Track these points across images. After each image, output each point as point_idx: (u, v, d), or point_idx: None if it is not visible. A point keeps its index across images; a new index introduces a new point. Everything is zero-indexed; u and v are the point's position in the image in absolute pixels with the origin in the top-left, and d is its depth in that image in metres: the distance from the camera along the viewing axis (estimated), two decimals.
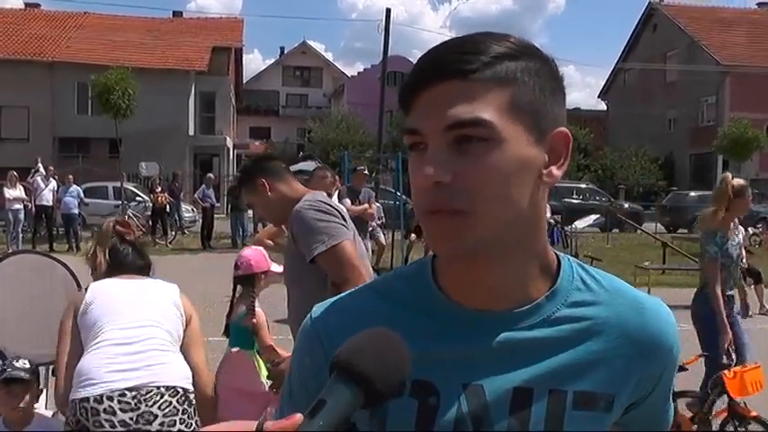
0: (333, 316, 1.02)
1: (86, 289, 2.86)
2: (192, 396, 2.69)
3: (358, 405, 0.78)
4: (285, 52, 62.46)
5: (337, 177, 8.37)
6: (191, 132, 34.73)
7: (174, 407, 2.58)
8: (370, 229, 12.16)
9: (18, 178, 17.12)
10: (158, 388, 2.57)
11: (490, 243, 0.91)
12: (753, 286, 11.15)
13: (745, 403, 4.52)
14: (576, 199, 25.69)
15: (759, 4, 43.93)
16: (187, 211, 22.13)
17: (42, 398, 3.22)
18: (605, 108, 47.60)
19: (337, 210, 2.90)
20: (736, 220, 5.08)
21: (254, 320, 3.93)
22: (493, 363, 0.94)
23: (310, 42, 62.87)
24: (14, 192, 16.88)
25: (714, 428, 4.67)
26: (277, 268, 3.88)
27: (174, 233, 19.74)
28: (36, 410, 3.01)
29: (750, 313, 10.74)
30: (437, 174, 0.87)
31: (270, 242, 5.13)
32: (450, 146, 0.88)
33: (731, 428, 4.52)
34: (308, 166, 25.00)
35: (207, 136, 35.53)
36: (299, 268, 2.87)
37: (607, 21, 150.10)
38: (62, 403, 2.67)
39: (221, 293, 9.05)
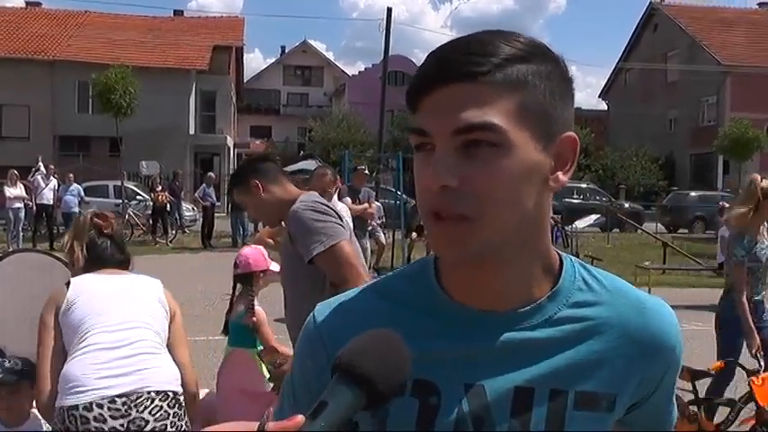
0: (335, 316, 1.01)
1: (68, 284, 2.74)
2: (181, 398, 2.65)
3: (360, 407, 0.78)
4: (286, 51, 62.47)
5: (338, 176, 8.37)
6: (191, 131, 34.73)
7: (165, 411, 2.54)
8: (371, 228, 12.17)
9: (18, 177, 17.13)
10: (149, 393, 2.52)
11: (496, 248, 0.90)
12: None
13: None
14: (577, 199, 25.68)
15: (760, 4, 43.92)
16: (188, 210, 22.12)
17: None
18: (606, 108, 47.58)
19: (333, 210, 2.90)
20: (766, 224, 4.82)
21: (254, 319, 3.94)
22: (494, 363, 0.94)
23: (311, 41, 63.00)
24: (15, 190, 16.89)
25: None
26: (276, 267, 3.88)
27: (174, 232, 19.74)
28: (33, 410, 2.97)
29: None
30: (445, 178, 0.86)
31: (270, 241, 5.13)
32: (459, 149, 0.87)
33: None
34: (309, 165, 25.03)
35: (207, 135, 35.52)
36: (296, 269, 2.86)
37: (608, 20, 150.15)
38: (46, 406, 2.58)
39: (221, 292, 9.06)
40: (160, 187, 19.50)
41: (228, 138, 37.10)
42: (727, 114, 33.98)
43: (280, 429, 0.77)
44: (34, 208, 17.54)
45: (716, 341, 4.84)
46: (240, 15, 46.42)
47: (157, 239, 18.82)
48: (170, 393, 2.59)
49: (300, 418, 0.76)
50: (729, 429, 4.49)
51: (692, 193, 28.04)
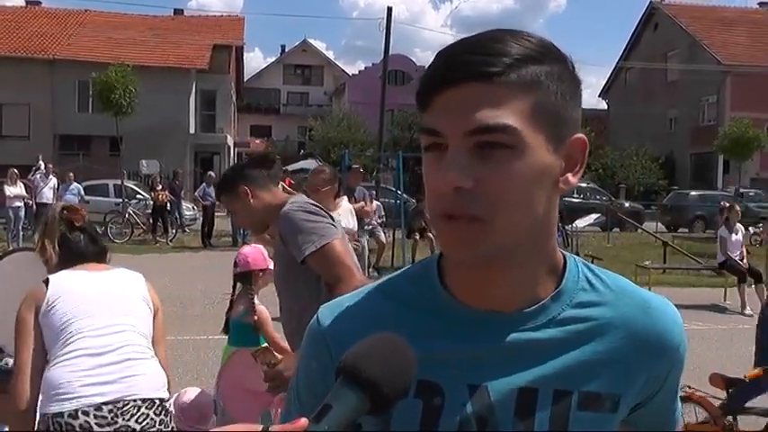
0: (338, 318, 1.01)
1: (46, 282, 2.63)
2: (167, 404, 2.61)
3: (364, 410, 0.78)
4: (286, 50, 62.46)
5: (338, 176, 8.36)
6: (191, 130, 34.73)
7: (152, 419, 2.50)
8: (371, 227, 12.17)
9: (18, 176, 17.14)
10: (135, 401, 2.48)
11: (507, 250, 0.90)
12: (753, 286, 11.15)
13: None
14: (577, 198, 25.67)
15: (760, 4, 43.92)
16: (188, 210, 22.11)
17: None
18: (606, 107, 47.58)
19: (324, 210, 2.89)
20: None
21: (255, 317, 3.94)
22: (498, 363, 0.94)
23: (311, 40, 62.98)
24: (15, 189, 16.89)
25: None
26: None
27: (174, 231, 19.73)
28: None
29: (751, 313, 10.75)
30: (459, 179, 0.85)
31: (269, 237, 5.13)
32: (472, 151, 0.86)
33: None
34: (309, 164, 25.04)
35: (207, 134, 35.53)
36: (290, 273, 2.84)
37: (608, 20, 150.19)
38: (24, 409, 2.47)
39: (222, 291, 9.06)
40: (160, 186, 19.49)
41: (229, 137, 37.10)
42: (728, 114, 33.97)
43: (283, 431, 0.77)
44: (34, 207, 17.54)
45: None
46: (240, 14, 46.44)
47: (157, 238, 18.82)
48: (156, 401, 2.55)
49: (304, 420, 0.76)
50: None
51: (693, 193, 28.05)
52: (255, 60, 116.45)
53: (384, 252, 13.71)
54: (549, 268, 0.98)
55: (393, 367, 0.80)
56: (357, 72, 54.13)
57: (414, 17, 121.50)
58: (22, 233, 16.99)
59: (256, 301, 4.01)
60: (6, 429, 2.92)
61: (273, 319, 4.60)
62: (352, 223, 6.05)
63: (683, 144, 39.04)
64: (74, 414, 2.40)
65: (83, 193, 18.52)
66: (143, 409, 2.49)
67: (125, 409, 2.45)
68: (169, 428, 2.59)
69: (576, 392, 0.95)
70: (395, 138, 38.67)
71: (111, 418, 2.42)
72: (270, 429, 0.76)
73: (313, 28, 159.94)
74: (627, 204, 27.31)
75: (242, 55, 43.51)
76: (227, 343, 4.19)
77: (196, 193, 21.27)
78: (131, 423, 2.45)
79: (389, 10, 22.56)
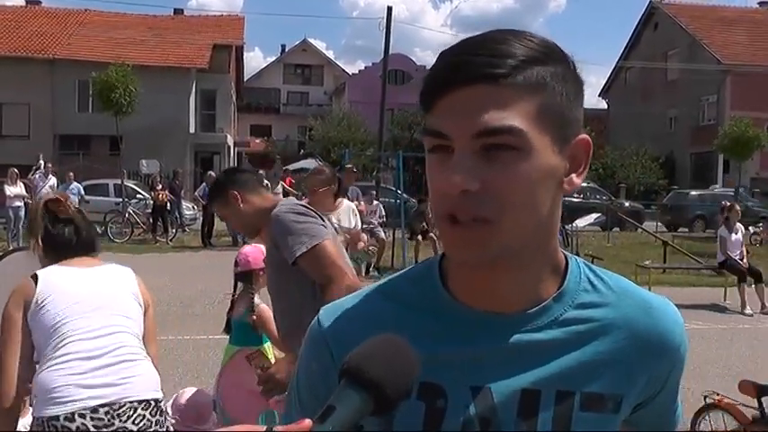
0: (339, 319, 1.01)
1: (35, 278, 2.55)
2: (162, 404, 2.60)
3: (367, 411, 0.78)
4: (286, 50, 62.45)
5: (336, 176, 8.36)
6: (191, 130, 34.73)
7: (148, 419, 2.50)
8: (371, 227, 12.18)
9: (19, 175, 17.13)
10: (131, 402, 2.46)
11: (513, 252, 0.90)
12: (753, 285, 11.15)
13: None
14: (577, 198, 25.65)
15: (760, 3, 43.90)
16: (188, 209, 22.11)
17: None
18: (606, 107, 47.57)
19: (314, 211, 2.89)
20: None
21: (254, 317, 3.94)
22: (501, 365, 0.94)
23: (311, 40, 63.00)
24: (15, 189, 16.89)
25: None
26: None
27: (174, 231, 19.73)
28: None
29: (751, 312, 10.76)
30: (466, 182, 0.85)
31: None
32: (478, 153, 0.86)
33: None
34: (309, 164, 25.05)
35: (207, 134, 35.53)
36: (283, 276, 2.84)
37: (608, 19, 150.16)
38: (8, 407, 2.42)
39: (222, 291, 9.05)
40: (160, 186, 19.49)
41: (229, 136, 37.10)
42: (728, 113, 33.95)
43: None
44: None
45: None
46: (240, 14, 46.44)
47: (158, 238, 18.82)
48: (152, 402, 2.53)
49: (308, 421, 0.76)
50: None
51: (693, 192, 28.05)
52: (255, 60, 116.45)
53: (384, 252, 13.71)
54: (552, 269, 0.98)
55: (396, 368, 0.80)
56: (357, 72, 54.13)
57: (414, 17, 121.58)
58: (21, 233, 16.99)
59: (257, 300, 4.01)
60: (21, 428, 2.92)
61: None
62: (353, 223, 6.04)
63: (682, 144, 39.04)
64: (70, 417, 2.38)
65: (83, 192, 18.51)
66: (139, 411, 2.48)
67: (121, 410, 2.44)
68: (164, 428, 2.58)
69: (579, 393, 0.95)
70: (395, 137, 38.68)
71: (108, 420, 2.41)
72: (274, 430, 0.76)
73: (313, 27, 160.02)
74: (627, 204, 27.31)
75: (242, 54, 43.50)
76: (229, 342, 4.19)
77: (196, 193, 21.28)
78: (128, 425, 2.44)
79: (389, 9, 22.56)
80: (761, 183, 33.14)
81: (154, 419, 2.52)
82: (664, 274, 13.62)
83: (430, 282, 0.99)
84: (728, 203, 13.22)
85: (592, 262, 1.05)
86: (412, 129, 38.99)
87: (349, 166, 12.08)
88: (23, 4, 39.71)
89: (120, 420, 2.43)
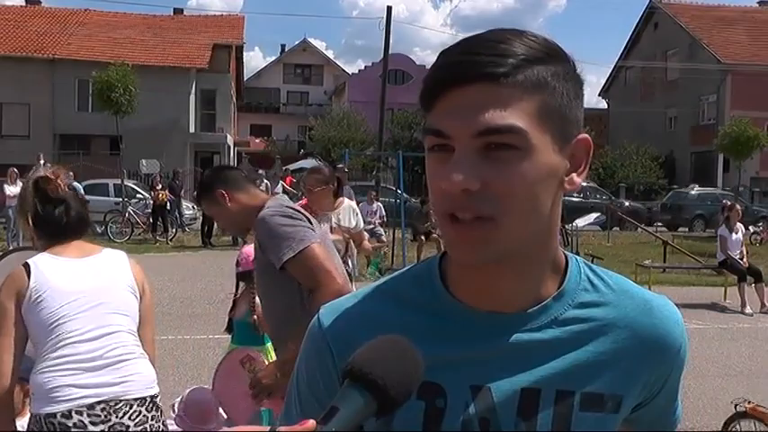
0: (339, 319, 1.00)
1: (27, 268, 2.49)
2: (158, 399, 2.60)
3: (371, 412, 0.78)
4: (286, 50, 62.45)
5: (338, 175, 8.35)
6: (191, 130, 34.74)
7: (144, 415, 2.50)
8: (372, 227, 12.18)
9: (19, 175, 17.11)
10: (127, 400, 2.47)
11: (514, 251, 0.90)
12: (753, 285, 11.16)
13: None
14: (577, 197, 25.66)
15: (760, 3, 43.88)
16: (188, 209, 22.12)
17: None
18: (606, 106, 47.57)
19: (302, 212, 2.85)
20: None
21: (256, 317, 3.94)
22: (500, 364, 0.94)
23: (311, 40, 63.03)
24: (15, 189, 16.87)
25: None
26: None
27: (174, 231, 19.74)
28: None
29: (750, 312, 10.76)
30: (466, 181, 0.85)
31: None
32: (479, 152, 0.86)
33: None
34: (309, 163, 25.04)
35: (207, 133, 35.54)
36: (269, 281, 2.82)
37: (608, 19, 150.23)
38: (5, 389, 2.40)
39: (222, 291, 9.06)
40: (160, 186, 19.50)
41: (228, 136, 37.10)
42: (728, 112, 33.97)
43: None
44: None
45: None
46: (240, 14, 46.31)
47: (157, 238, 18.83)
48: (147, 398, 2.54)
49: (312, 422, 0.76)
50: None
51: (693, 192, 28.07)
52: (255, 60, 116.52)
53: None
54: (552, 268, 0.98)
55: (400, 369, 0.80)
56: (357, 71, 54.12)
57: (413, 16, 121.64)
58: (21, 233, 16.99)
59: (258, 299, 4.01)
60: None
61: None
62: (354, 222, 6.02)
63: (682, 143, 39.04)
64: (67, 414, 2.39)
65: (83, 192, 18.42)
66: (135, 407, 2.49)
67: (117, 407, 2.45)
68: (160, 423, 2.59)
69: (579, 393, 0.95)
70: (395, 137, 38.70)
71: (105, 416, 2.42)
72: (277, 430, 0.76)
73: (313, 27, 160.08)
74: (627, 203, 27.32)
75: (242, 54, 43.48)
76: (231, 342, 4.20)
77: (196, 193, 21.27)
78: (125, 420, 2.45)
79: (389, 9, 22.58)
80: (761, 182, 33.16)
81: (150, 415, 2.53)
82: (664, 274, 13.63)
83: (430, 281, 0.99)
84: (729, 203, 13.22)
85: (592, 261, 1.05)
86: (412, 128, 38.99)
87: (340, 165, 12.08)
88: (23, 3, 39.70)
89: (117, 416, 2.44)
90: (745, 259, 11.52)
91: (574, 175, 0.93)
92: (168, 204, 19.47)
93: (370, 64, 50.38)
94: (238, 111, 46.99)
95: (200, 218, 19.91)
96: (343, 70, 59.61)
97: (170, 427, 2.84)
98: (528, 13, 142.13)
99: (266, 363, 3.88)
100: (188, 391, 3.93)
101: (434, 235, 13.74)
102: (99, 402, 2.42)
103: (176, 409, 3.81)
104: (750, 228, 19.64)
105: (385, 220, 13.87)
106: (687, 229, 25.58)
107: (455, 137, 0.86)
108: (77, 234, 2.65)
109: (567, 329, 0.96)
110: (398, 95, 35.20)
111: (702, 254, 14.78)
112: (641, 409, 1.03)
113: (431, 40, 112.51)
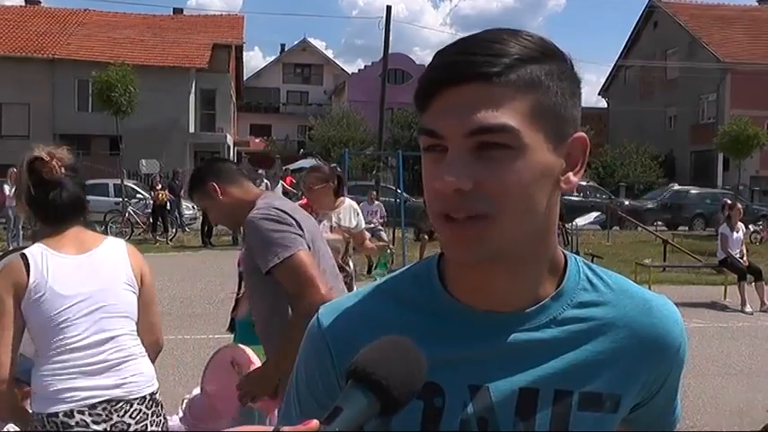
0: (339, 318, 1.00)
1: (25, 260, 2.44)
2: (157, 395, 2.62)
3: (374, 413, 0.78)
4: (286, 49, 62.46)
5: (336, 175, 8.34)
6: (191, 130, 34.75)
7: (144, 413, 2.53)
8: (373, 227, 12.18)
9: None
10: (128, 400, 2.49)
11: (509, 250, 0.90)
12: (753, 283, 11.16)
13: None
14: (577, 196, 25.68)
15: (759, 1, 43.88)
16: (188, 209, 22.12)
17: None
18: (606, 105, 47.57)
19: (291, 216, 2.78)
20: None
21: None
22: (499, 364, 0.94)
23: (311, 39, 63.06)
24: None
25: None
26: None
27: (174, 230, 19.75)
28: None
29: (751, 310, 10.76)
30: (459, 181, 0.85)
31: None
32: (472, 151, 0.86)
33: None
34: (309, 163, 25.04)
35: (207, 133, 35.56)
36: (257, 281, 2.79)
37: (607, 18, 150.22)
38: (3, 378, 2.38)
39: (222, 291, 9.07)
40: (160, 185, 19.51)
41: (228, 136, 37.12)
42: (727, 111, 33.97)
43: None
44: None
45: None
46: (240, 13, 46.30)
47: (157, 238, 18.84)
48: (147, 396, 2.56)
49: (315, 422, 0.76)
50: None
51: (693, 191, 28.07)
52: (255, 59, 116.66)
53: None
54: (550, 268, 0.98)
55: (404, 370, 0.80)
56: (357, 71, 54.12)
57: (413, 16, 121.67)
58: (21, 233, 16.99)
59: None
60: (9, 428, 2.92)
61: None
62: (355, 222, 6.00)
63: (682, 142, 39.04)
64: (69, 413, 2.41)
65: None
66: (135, 405, 2.51)
67: (118, 406, 2.47)
68: (161, 418, 2.61)
69: (577, 392, 0.94)
70: (395, 136, 38.70)
71: (107, 415, 2.44)
72: (281, 430, 0.76)
73: (313, 27, 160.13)
74: (627, 202, 27.32)
75: (241, 54, 43.49)
76: (233, 341, 4.19)
77: None
78: (126, 419, 2.47)
79: (389, 9, 22.58)
80: (761, 181, 33.15)
81: (150, 411, 2.55)
82: (664, 273, 13.63)
83: (429, 281, 0.99)
84: (730, 202, 13.23)
85: (592, 261, 1.05)
86: (412, 128, 38.96)
87: (334, 165, 12.08)
88: (23, 3, 39.70)
89: (118, 415, 2.46)
90: (745, 258, 11.52)
91: (570, 174, 0.93)
92: (168, 204, 19.47)
93: (369, 63, 50.40)
94: (238, 110, 46.99)
95: (200, 218, 19.94)
96: (343, 70, 59.62)
97: (170, 422, 2.84)
98: (527, 13, 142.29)
99: (256, 364, 3.88)
100: (195, 391, 3.93)
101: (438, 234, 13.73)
102: (101, 402, 2.44)
103: (182, 409, 3.81)
104: (750, 227, 19.63)
105: (386, 219, 13.86)
106: (687, 228, 25.57)
107: (448, 137, 0.86)
108: (73, 218, 2.58)
109: (566, 329, 0.96)
110: (398, 95, 35.17)
111: (702, 253, 14.77)
112: (640, 408, 1.03)
113: (430, 40, 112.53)
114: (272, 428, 0.77)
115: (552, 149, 0.89)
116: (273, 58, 64.25)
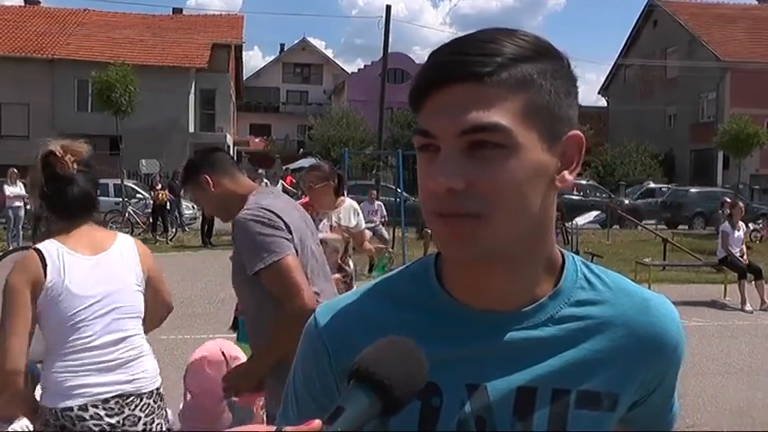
0: (336, 318, 1.00)
1: (42, 259, 2.47)
2: (161, 389, 2.73)
3: (376, 413, 0.78)
4: (285, 49, 62.48)
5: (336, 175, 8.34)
6: (191, 129, 34.75)
7: (151, 406, 2.64)
8: (373, 226, 12.19)
9: (18, 175, 17.12)
10: (138, 395, 2.61)
11: (503, 248, 0.90)
12: (753, 282, 11.16)
13: None
14: (577, 195, 25.70)
15: (759, 0, 43.87)
16: (187, 209, 22.13)
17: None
18: (606, 104, 47.58)
19: (280, 217, 2.74)
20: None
21: None
22: (497, 363, 0.94)
23: (310, 39, 63.22)
24: (15, 189, 16.89)
25: None
26: None
27: (174, 230, 19.75)
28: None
29: (751, 309, 10.77)
30: (451, 181, 0.85)
31: None
32: (464, 151, 0.86)
33: None
34: (309, 162, 25.06)
35: (207, 133, 35.54)
36: (245, 281, 2.79)
37: (607, 17, 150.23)
38: (11, 370, 2.39)
39: (222, 291, 9.07)
40: (160, 185, 19.51)
41: (228, 136, 37.11)
42: (727, 110, 33.98)
43: None
44: (33, 207, 17.51)
45: None
46: (239, 13, 46.28)
47: (157, 238, 18.84)
48: (154, 391, 2.67)
49: (317, 422, 0.76)
50: None
51: (692, 190, 28.07)
52: (255, 59, 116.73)
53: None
54: (547, 267, 0.97)
55: (405, 370, 0.80)
56: (356, 70, 54.13)
57: (413, 15, 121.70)
58: (21, 233, 17.00)
59: None
60: (13, 428, 2.97)
61: None
62: (355, 221, 6.00)
63: (682, 141, 39.05)
64: (83, 407, 2.49)
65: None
66: (144, 399, 2.62)
67: (129, 400, 2.58)
68: (164, 410, 2.73)
69: (575, 391, 0.94)
70: (394, 136, 38.68)
71: (119, 409, 2.54)
72: (283, 430, 0.76)
73: (312, 26, 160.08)
74: (626, 201, 27.33)
75: (241, 54, 43.49)
76: (237, 340, 4.21)
77: None
78: (136, 412, 2.58)
79: (388, 8, 22.59)
80: (761, 180, 33.15)
81: (156, 405, 2.67)
82: (663, 272, 13.63)
83: (426, 280, 0.99)
84: (731, 200, 13.22)
85: (592, 260, 1.05)
86: (411, 127, 38.89)
87: (333, 165, 12.09)
88: (22, 3, 39.69)
89: (130, 409, 2.57)
90: (745, 256, 11.52)
91: (565, 172, 0.93)
92: (168, 204, 19.48)
93: (369, 63, 50.42)
94: (238, 110, 47.00)
95: (200, 218, 19.94)
96: (343, 69, 59.63)
97: (170, 416, 2.91)
98: (527, 12, 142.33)
99: (241, 359, 3.88)
100: (181, 404, 3.96)
101: None
102: (113, 397, 2.54)
103: (179, 421, 3.82)
104: (750, 225, 19.63)
105: (386, 219, 13.86)
106: (687, 227, 25.57)
107: (440, 136, 0.87)
108: (83, 214, 2.63)
109: (563, 327, 0.96)
110: (398, 94, 35.07)
111: (702, 251, 14.77)
112: (638, 407, 1.03)
113: (430, 39, 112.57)
114: (273, 428, 0.77)
115: (546, 148, 0.89)
116: (273, 57, 64.40)
